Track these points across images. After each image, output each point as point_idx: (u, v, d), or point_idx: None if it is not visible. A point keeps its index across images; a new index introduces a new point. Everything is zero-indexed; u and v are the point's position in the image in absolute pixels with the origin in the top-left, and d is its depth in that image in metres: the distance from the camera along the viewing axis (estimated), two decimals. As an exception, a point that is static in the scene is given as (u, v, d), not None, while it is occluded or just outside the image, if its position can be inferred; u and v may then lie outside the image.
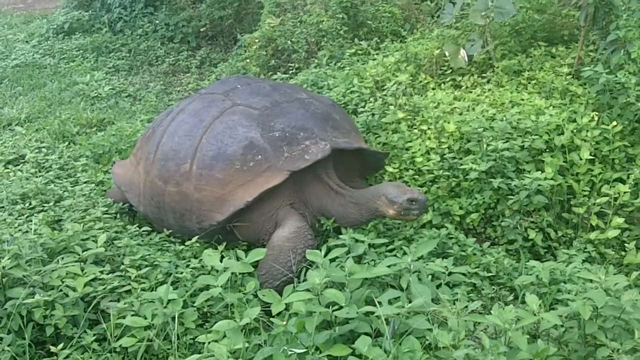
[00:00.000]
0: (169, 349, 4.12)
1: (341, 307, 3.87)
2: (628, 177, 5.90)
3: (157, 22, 13.55)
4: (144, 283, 4.66)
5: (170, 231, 5.72)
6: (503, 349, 3.50)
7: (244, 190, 5.30)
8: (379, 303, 3.87)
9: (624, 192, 5.77)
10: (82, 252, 4.75)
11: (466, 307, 3.87)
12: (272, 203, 5.46)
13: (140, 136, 6.48)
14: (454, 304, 3.90)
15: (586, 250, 5.62)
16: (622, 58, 6.22)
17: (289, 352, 3.65)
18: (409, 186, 5.45)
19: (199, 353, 3.90)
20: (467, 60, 7.31)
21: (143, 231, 5.61)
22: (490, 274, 5.23)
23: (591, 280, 4.13)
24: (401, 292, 4.10)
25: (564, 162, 6.02)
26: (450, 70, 7.62)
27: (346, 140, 5.68)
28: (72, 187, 6.61)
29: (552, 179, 5.77)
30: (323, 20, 9.28)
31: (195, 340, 4.21)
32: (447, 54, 7.39)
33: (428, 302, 3.95)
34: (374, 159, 6.11)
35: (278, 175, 5.29)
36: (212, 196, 5.38)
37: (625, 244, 5.65)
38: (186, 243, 5.36)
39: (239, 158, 5.35)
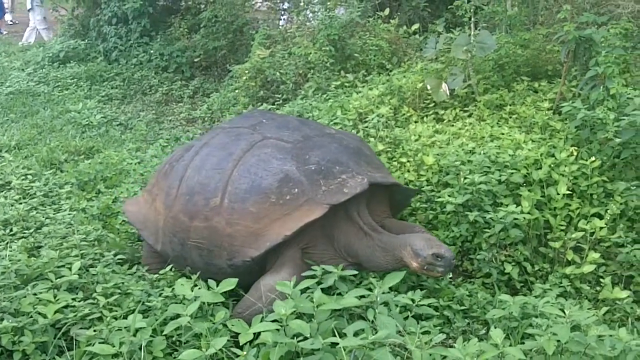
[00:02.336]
0: (136, 377, 4.13)
1: (307, 338, 3.89)
2: (605, 212, 5.93)
3: (151, 51, 13.70)
4: (116, 311, 4.66)
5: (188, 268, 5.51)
6: (462, 381, 3.51)
7: (280, 225, 5.04)
8: (344, 334, 3.89)
9: (601, 228, 5.81)
10: (56, 279, 4.77)
11: (430, 340, 3.89)
12: (304, 238, 5.19)
13: (155, 172, 6.26)
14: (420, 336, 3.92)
15: (561, 285, 5.63)
16: (602, 94, 6.28)
17: (252, 383, 3.66)
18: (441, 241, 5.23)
19: (166, 382, 3.91)
20: (448, 93, 7.38)
21: (118, 259, 5.62)
22: (463, 307, 5.24)
23: (560, 316, 4.13)
24: (368, 323, 4.11)
25: (541, 196, 6.05)
26: (433, 104, 7.69)
27: (381, 175, 5.50)
28: (54, 214, 6.63)
29: (528, 213, 5.80)
30: (311, 53, 9.39)
31: (163, 369, 4.22)
32: (429, 87, 7.47)
33: (393, 334, 3.96)
34: (403, 196, 5.90)
35: (317, 208, 5.03)
36: (245, 231, 5.12)
37: (601, 279, 5.67)
38: (160, 272, 5.37)
39: (275, 191, 5.10)
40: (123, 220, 6.77)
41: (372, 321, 4.18)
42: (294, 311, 4.08)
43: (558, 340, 3.84)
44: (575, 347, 3.89)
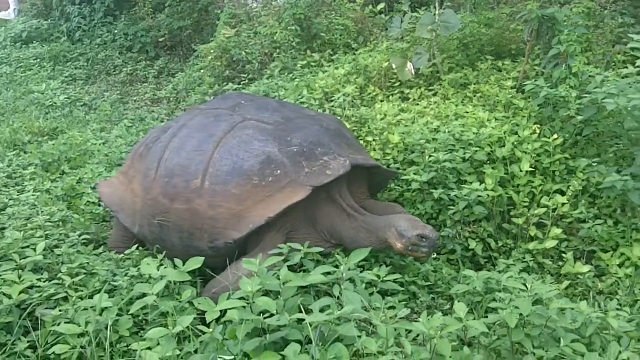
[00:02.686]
0: (102, 356, 4.12)
1: (273, 315, 3.91)
2: (567, 189, 6.02)
3: (116, 31, 13.56)
4: (81, 291, 4.64)
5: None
6: (426, 355, 3.57)
7: (263, 207, 5.03)
8: (310, 310, 3.92)
9: (563, 204, 5.90)
10: (20, 259, 4.74)
11: (395, 315, 3.93)
12: (288, 219, 5.17)
13: (130, 154, 6.16)
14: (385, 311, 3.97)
15: (524, 260, 5.73)
16: (564, 72, 6.35)
17: (218, 359, 3.68)
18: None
19: (132, 360, 3.92)
20: (413, 73, 7.42)
21: (83, 240, 5.58)
22: (428, 283, 5.31)
23: (522, 290, 4.19)
24: (333, 300, 4.14)
25: (505, 173, 6.14)
26: (399, 83, 7.73)
27: (362, 157, 5.53)
28: (17, 195, 6.57)
29: (492, 190, 5.88)
30: (276, 32, 9.36)
31: (129, 347, 4.21)
32: (394, 66, 7.49)
33: (358, 310, 3.99)
34: (382, 177, 5.92)
35: (300, 190, 5.03)
36: (227, 213, 5.09)
37: (563, 255, 5.78)
38: (126, 252, 5.35)
39: (257, 173, 5.09)
40: (88, 201, 6.74)
41: (338, 297, 4.21)
42: (260, 288, 4.09)
43: (520, 314, 3.89)
44: (536, 319, 3.95)
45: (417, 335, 4.16)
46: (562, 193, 6.05)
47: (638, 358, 4.07)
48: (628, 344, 4.25)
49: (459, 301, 4.02)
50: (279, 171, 5.09)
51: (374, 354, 3.66)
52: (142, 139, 6.15)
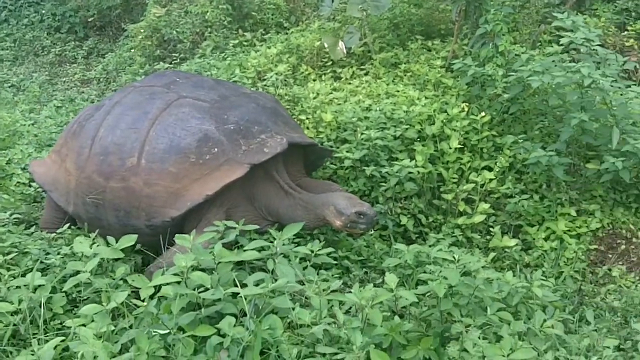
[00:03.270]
0: (35, 333, 4.10)
1: (208, 289, 3.95)
2: (495, 165, 6.19)
3: (43, 11, 13.28)
4: (14, 270, 4.61)
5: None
6: (357, 323, 3.65)
7: (201, 185, 5.03)
8: (245, 285, 3.97)
9: (490, 180, 6.07)
10: (-51, 240, 4.69)
11: (329, 287, 4.01)
12: (228, 198, 5.18)
13: (63, 132, 6.04)
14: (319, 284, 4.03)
15: (454, 234, 5.89)
16: (491, 51, 6.51)
17: (153, 333, 3.70)
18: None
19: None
20: (345, 52, 7.49)
21: (14, 219, 5.52)
22: (361, 258, 5.42)
23: (451, 261, 4.32)
24: (268, 274, 4.20)
25: (435, 150, 6.27)
26: (331, 62, 7.79)
27: (299, 135, 5.56)
28: (-55, 176, 6.45)
29: (422, 166, 6.01)
30: (208, 11, 9.33)
31: (63, 325, 4.20)
32: (326, 45, 7.56)
33: (292, 283, 4.06)
34: (319, 156, 5.93)
35: (238, 168, 5.04)
36: (165, 191, 5.07)
37: (491, 229, 5.95)
38: (58, 230, 5.31)
39: (194, 151, 5.07)
40: (18, 182, 6.64)
41: (272, 271, 4.27)
42: (195, 264, 4.11)
43: (449, 284, 4.01)
44: (464, 289, 4.08)
45: (350, 307, 4.25)
46: (490, 169, 6.23)
47: (561, 325, 4.24)
48: (553, 313, 4.43)
49: (390, 273, 4.10)
50: (216, 149, 5.09)
51: (308, 325, 3.74)
52: (75, 117, 6.05)
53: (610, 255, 5.84)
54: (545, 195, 6.16)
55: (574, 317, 4.68)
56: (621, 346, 4.41)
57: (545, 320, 4.11)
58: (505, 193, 6.09)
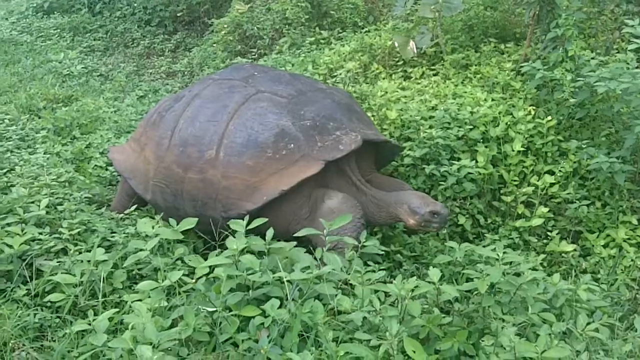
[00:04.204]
0: (95, 306, 4.35)
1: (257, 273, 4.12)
2: (558, 170, 6.18)
3: (135, 5, 13.69)
4: (81, 246, 4.88)
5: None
6: (394, 312, 3.76)
7: (277, 179, 5.13)
8: (293, 270, 4.13)
9: (551, 184, 6.06)
10: (24, 214, 4.99)
11: (371, 277, 4.13)
12: (302, 192, 5.25)
13: (142, 121, 6.21)
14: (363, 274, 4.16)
15: (511, 237, 5.91)
16: (561, 55, 6.48)
17: (201, 310, 3.90)
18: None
19: (124, 311, 4.15)
20: (415, 51, 7.57)
21: (86, 198, 5.82)
22: (414, 254, 5.51)
23: (494, 258, 4.35)
24: (315, 261, 4.33)
25: (498, 152, 6.30)
26: (402, 62, 7.88)
27: (373, 132, 5.60)
28: (28, 156, 6.81)
29: (483, 167, 6.05)
30: (287, 9, 9.55)
31: (121, 299, 4.44)
32: (396, 45, 7.65)
33: (337, 271, 4.19)
34: (390, 151, 5.99)
35: (314, 165, 5.13)
36: (242, 184, 5.18)
37: (549, 233, 5.94)
38: (125, 212, 5.58)
39: (271, 146, 5.17)
40: (95, 165, 6.98)
41: (321, 259, 4.40)
42: (246, 247, 4.29)
43: (492, 282, 4.07)
44: (506, 286, 4.13)
45: (396, 299, 4.35)
46: (553, 174, 6.21)
47: (607, 330, 4.24)
48: (600, 318, 4.42)
49: (434, 268, 4.18)
50: (292, 145, 5.18)
51: (348, 312, 3.87)
52: (155, 107, 6.23)
53: (670, 266, 5.76)
54: (608, 202, 6.12)
55: (622, 324, 4.66)
56: (668, 356, 4.37)
57: (589, 323, 4.14)
58: (567, 198, 6.07)
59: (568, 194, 6.04)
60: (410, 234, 5.75)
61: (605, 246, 5.91)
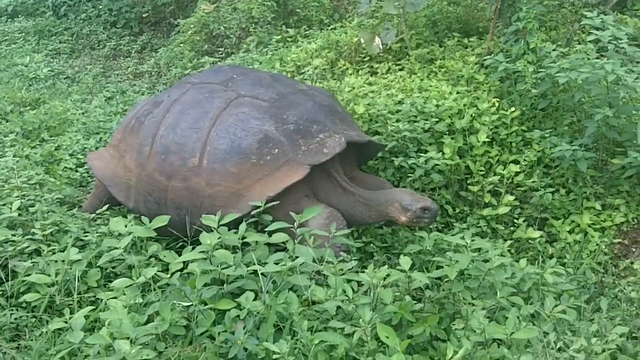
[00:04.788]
0: (70, 304, 4.40)
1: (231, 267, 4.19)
2: (524, 160, 6.32)
3: (100, 7, 13.65)
4: (54, 246, 4.91)
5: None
6: (366, 300, 3.86)
7: (262, 185, 5.11)
8: (266, 263, 4.20)
9: (517, 173, 6.21)
10: (-4, 216, 5.03)
11: (343, 268, 4.22)
12: (289, 198, 5.18)
13: (120, 127, 6.12)
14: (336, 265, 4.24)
15: (479, 225, 6.04)
16: (522, 48, 6.62)
17: (177, 305, 3.96)
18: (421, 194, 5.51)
19: (99, 308, 4.20)
20: (381, 47, 7.68)
21: (57, 199, 5.85)
22: (385, 245, 5.61)
23: (463, 245, 4.47)
24: (287, 254, 4.40)
25: (464, 144, 6.42)
26: (368, 58, 7.99)
27: (356, 133, 5.60)
28: (-3, 160, 6.83)
29: (450, 159, 6.17)
30: (254, 8, 9.62)
31: (97, 297, 4.48)
32: (362, 41, 7.75)
33: (309, 263, 4.28)
34: (372, 150, 6.01)
35: (299, 169, 5.12)
36: (226, 192, 5.17)
37: (515, 221, 6.08)
38: (97, 211, 5.62)
39: (255, 152, 5.16)
40: (65, 167, 7.00)
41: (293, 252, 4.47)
42: (220, 242, 4.36)
43: (461, 268, 4.18)
44: (475, 272, 4.25)
45: (368, 287, 4.44)
46: (518, 163, 6.35)
47: (574, 312, 4.38)
48: (567, 301, 4.55)
49: (404, 257, 4.27)
50: (276, 150, 5.17)
51: (322, 301, 3.96)
52: (132, 112, 6.14)
53: (634, 249, 5.91)
54: (572, 189, 6.26)
55: (589, 306, 4.81)
56: (633, 334, 4.52)
57: (555, 306, 4.27)
58: (532, 186, 6.21)
59: (533, 182, 6.17)
60: (381, 226, 5.84)
61: (570, 232, 6.05)
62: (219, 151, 5.22)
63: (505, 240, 5.97)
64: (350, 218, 5.34)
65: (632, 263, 5.73)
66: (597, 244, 5.85)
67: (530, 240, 5.97)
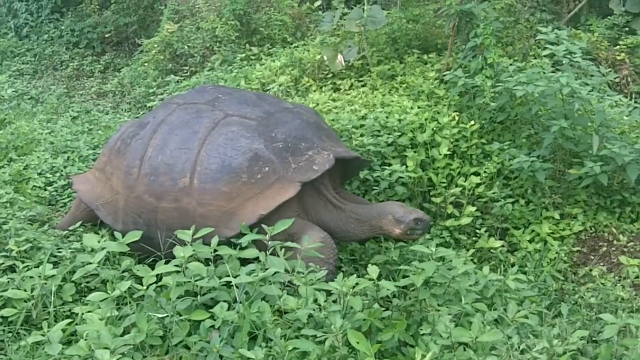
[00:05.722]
0: (47, 318, 4.47)
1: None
2: (485, 172, 6.53)
3: (62, 27, 13.73)
4: (28, 262, 4.98)
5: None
6: (337, 308, 4.01)
7: (254, 204, 5.13)
8: (239, 275, 4.33)
9: (478, 184, 6.41)
10: (-31, 235, 5.11)
11: (315, 278, 4.36)
12: (281, 216, 5.09)
13: (105, 149, 6.05)
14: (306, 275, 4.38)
15: (442, 236, 6.22)
16: (480, 63, 6.84)
17: (152, 317, 4.07)
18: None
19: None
20: (343, 64, 7.87)
21: (30, 217, 5.92)
22: (353, 257, 5.76)
23: (428, 254, 4.63)
24: (260, 265, 4.52)
25: (426, 157, 6.62)
26: (331, 75, 8.18)
27: (343, 149, 5.66)
28: (-34, 180, 6.87)
29: (413, 171, 6.36)
30: (217, 27, 9.77)
31: (72, 312, 4.57)
32: (325, 58, 7.94)
33: (280, 273, 4.41)
34: (356, 166, 6.06)
35: (290, 187, 5.14)
36: (218, 211, 5.16)
37: (477, 231, 6.28)
38: (70, 228, 5.69)
39: (246, 170, 5.17)
40: (34, 185, 7.05)
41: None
42: (193, 255, 4.47)
43: (427, 276, 4.34)
44: (440, 279, 4.42)
45: (338, 296, 4.58)
46: (477, 174, 6.55)
47: (536, 318, 4.55)
48: (529, 306, 4.74)
49: (371, 265, 4.42)
50: (267, 168, 5.19)
51: (294, 310, 4.09)
52: (116, 134, 6.12)
53: (592, 257, 6.10)
54: (531, 199, 6.46)
55: (550, 312, 4.99)
56: (593, 338, 4.70)
57: (518, 311, 4.45)
58: (492, 197, 6.41)
59: (493, 193, 6.37)
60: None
61: (531, 241, 6.24)
62: (210, 171, 5.22)
63: (468, 249, 6.13)
64: (343, 234, 5.44)
65: (590, 270, 5.91)
66: (556, 252, 6.03)
67: (492, 250, 6.14)
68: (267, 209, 5.08)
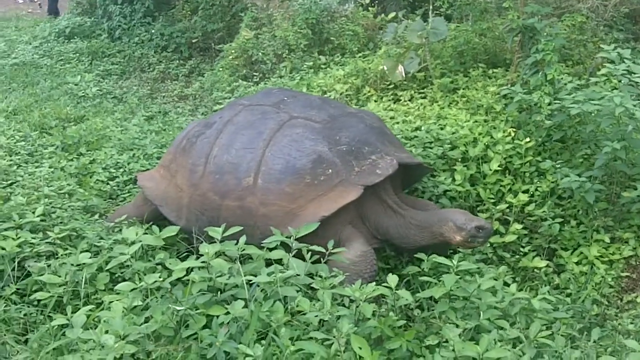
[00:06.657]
0: (77, 304, 4.66)
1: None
2: (536, 190, 6.41)
3: (153, 31, 14.13)
4: (70, 251, 5.19)
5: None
6: (344, 312, 4.03)
7: (316, 205, 5.19)
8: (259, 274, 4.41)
9: (527, 202, 6.30)
10: (20, 220, 5.36)
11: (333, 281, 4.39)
12: (339, 218, 5.29)
13: (171, 148, 6.23)
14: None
15: (484, 252, 6.12)
16: (539, 79, 6.73)
17: (168, 308, 4.19)
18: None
19: (105, 310, 4.46)
20: (404, 75, 7.87)
21: (80, 207, 6.16)
22: (388, 266, 5.76)
23: (449, 266, 4.59)
24: (281, 267, 4.59)
25: (476, 171, 6.55)
26: (393, 85, 8.20)
27: (406, 155, 5.70)
28: (33, 170, 7.19)
29: (460, 185, 6.31)
30: (289, 35, 9.94)
31: (102, 300, 4.75)
32: (385, 68, 7.96)
33: (300, 275, 4.46)
34: (418, 172, 6.09)
35: (353, 190, 5.20)
36: (281, 211, 5.24)
37: (521, 249, 6.17)
38: (115, 220, 5.90)
39: (309, 172, 5.24)
40: (97, 179, 7.32)
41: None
42: (219, 252, 4.57)
43: (448, 290, 4.32)
44: (460, 292, 4.39)
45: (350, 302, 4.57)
46: (526, 192, 6.44)
47: (562, 339, 4.45)
48: (559, 328, 4.64)
49: (392, 274, 4.42)
50: (330, 170, 5.26)
51: (306, 312, 4.14)
52: (182, 133, 6.27)
53: (641, 284, 5.94)
54: (582, 221, 6.30)
55: (581, 335, 4.85)
56: (620, 365, 4.56)
57: (541, 330, 4.36)
58: (542, 216, 6.28)
59: (543, 212, 6.25)
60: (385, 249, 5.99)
61: (577, 263, 6.09)
62: (274, 171, 5.31)
63: (512, 268, 6.05)
64: (402, 240, 5.45)
65: (637, 297, 5.74)
66: (602, 276, 5.88)
67: (535, 270, 6.03)
68: (329, 211, 5.13)
